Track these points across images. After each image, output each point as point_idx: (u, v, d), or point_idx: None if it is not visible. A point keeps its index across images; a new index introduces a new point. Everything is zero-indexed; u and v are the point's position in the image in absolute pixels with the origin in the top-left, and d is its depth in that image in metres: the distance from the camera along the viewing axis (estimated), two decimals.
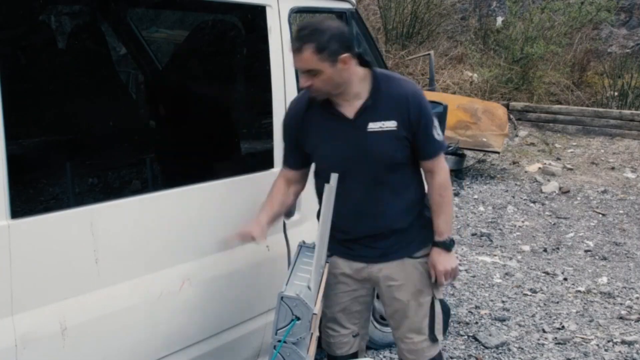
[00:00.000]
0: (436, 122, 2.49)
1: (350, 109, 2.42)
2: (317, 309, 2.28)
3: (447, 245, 2.55)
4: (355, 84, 2.40)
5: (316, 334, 2.40)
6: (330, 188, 2.33)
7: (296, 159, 2.57)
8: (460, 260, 5.40)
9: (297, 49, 2.29)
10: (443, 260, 2.54)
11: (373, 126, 2.41)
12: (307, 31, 2.27)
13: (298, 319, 2.20)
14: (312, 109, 2.47)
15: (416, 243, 2.58)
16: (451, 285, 4.78)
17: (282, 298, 2.20)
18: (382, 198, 2.49)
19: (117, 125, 2.51)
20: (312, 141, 2.50)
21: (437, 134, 2.49)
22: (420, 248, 2.59)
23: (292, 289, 2.24)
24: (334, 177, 2.37)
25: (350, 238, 2.56)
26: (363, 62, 2.43)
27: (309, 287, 2.26)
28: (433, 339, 2.63)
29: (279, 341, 2.21)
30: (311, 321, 2.21)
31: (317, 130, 2.48)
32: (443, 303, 2.66)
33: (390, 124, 2.40)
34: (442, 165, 2.52)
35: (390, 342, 3.81)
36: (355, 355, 2.75)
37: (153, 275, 2.38)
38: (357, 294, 2.66)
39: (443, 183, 2.52)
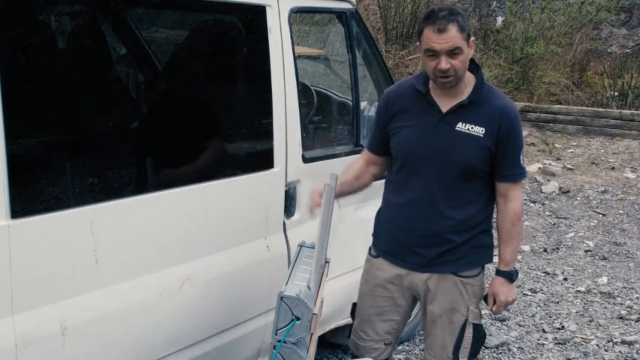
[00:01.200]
0: (524, 150, 2.47)
1: (446, 103, 2.42)
2: (317, 309, 2.28)
3: (512, 276, 2.52)
4: (462, 81, 2.39)
5: (317, 334, 2.40)
6: (330, 188, 2.33)
7: (379, 144, 2.59)
8: None
9: (443, 29, 2.25)
10: (506, 292, 2.52)
11: (461, 127, 2.39)
12: (446, 12, 2.28)
13: (298, 319, 2.20)
14: (408, 95, 2.48)
15: (464, 262, 2.52)
16: None
17: (282, 298, 2.20)
18: (445, 202, 2.43)
19: (117, 125, 2.51)
20: (397, 123, 2.50)
21: (522, 160, 2.44)
22: (467, 268, 2.53)
23: (292, 289, 2.24)
24: (333, 177, 2.37)
25: (399, 235, 2.52)
26: (471, 66, 2.43)
27: (308, 287, 2.26)
28: None
29: (279, 341, 2.21)
30: (311, 321, 2.20)
31: (406, 114, 2.48)
32: (477, 329, 2.57)
33: (478, 130, 2.37)
34: (518, 194, 2.48)
35: None
36: None
37: (153, 275, 2.38)
38: (396, 302, 2.62)
39: (517, 212, 2.47)
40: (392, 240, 2.55)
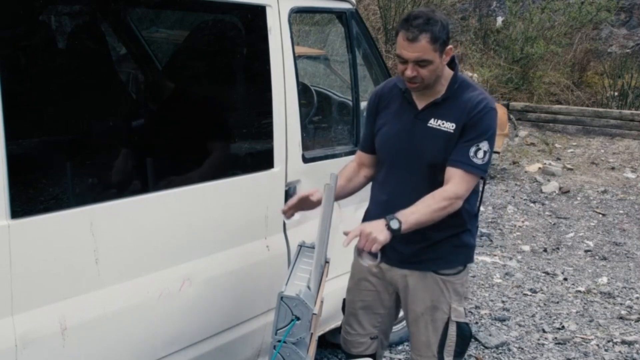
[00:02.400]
0: (487, 147, 2.36)
1: (423, 101, 2.44)
2: (317, 309, 2.28)
3: (390, 221, 2.27)
4: (440, 81, 2.41)
5: (317, 334, 2.40)
6: (330, 188, 2.33)
7: (369, 143, 2.60)
8: None
9: (412, 38, 2.26)
10: (370, 224, 2.30)
11: (433, 123, 2.40)
12: (422, 20, 2.26)
13: (298, 319, 2.20)
14: (392, 93, 2.51)
15: (444, 261, 2.51)
16: None
17: (282, 298, 2.20)
18: (419, 198, 2.37)
19: (117, 125, 2.50)
20: (380, 120, 2.53)
21: (477, 156, 2.34)
22: (447, 267, 2.52)
23: (292, 289, 2.24)
24: (334, 177, 2.37)
25: None
26: (451, 65, 2.43)
27: (308, 287, 2.26)
28: (441, 359, 2.55)
29: (279, 341, 2.21)
30: (311, 321, 2.20)
31: (388, 112, 2.52)
32: (462, 327, 2.54)
33: (449, 126, 2.38)
34: (458, 183, 2.34)
35: (390, 343, 3.81)
36: (371, 356, 2.71)
37: (153, 275, 2.38)
38: (381, 296, 2.63)
39: (444, 193, 2.33)
40: None
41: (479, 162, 2.36)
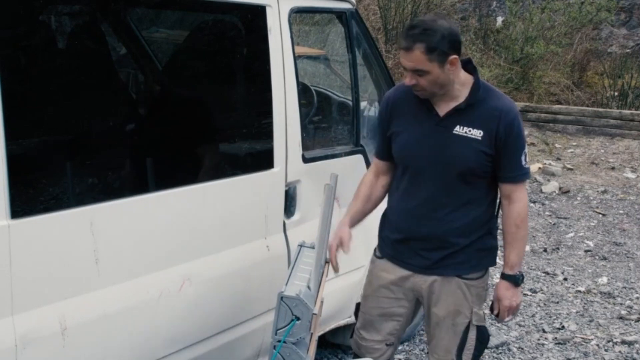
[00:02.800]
0: (526, 149, 2.43)
1: (443, 108, 2.40)
2: (317, 309, 2.28)
3: (517, 280, 2.48)
4: (456, 87, 2.37)
5: (317, 334, 2.40)
6: (330, 188, 2.33)
7: (386, 150, 2.57)
8: None
9: (406, 48, 2.26)
10: (510, 296, 2.48)
11: (459, 130, 2.37)
12: (418, 30, 2.25)
13: (298, 319, 2.20)
14: (406, 99, 2.47)
15: (468, 265, 2.51)
16: None
17: (282, 298, 2.20)
18: (448, 205, 2.42)
19: (117, 125, 2.51)
20: (396, 127, 2.50)
21: (525, 160, 2.41)
22: (472, 271, 2.52)
23: (292, 289, 2.24)
24: (333, 177, 2.37)
25: (403, 238, 2.51)
26: (468, 69, 2.42)
27: (308, 287, 2.26)
28: None
29: (279, 341, 2.21)
30: (311, 321, 2.20)
31: (405, 118, 2.48)
32: (481, 331, 2.55)
33: (476, 133, 2.36)
34: (521, 195, 2.44)
35: None
36: None
37: (153, 275, 2.38)
38: (400, 303, 2.61)
39: (521, 213, 2.43)
40: (397, 243, 2.54)
41: (527, 166, 2.44)
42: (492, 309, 2.58)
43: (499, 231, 2.58)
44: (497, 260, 2.66)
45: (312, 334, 2.27)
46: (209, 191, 2.55)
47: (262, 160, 2.77)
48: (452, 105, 2.39)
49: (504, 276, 2.50)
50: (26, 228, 1.98)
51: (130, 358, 2.34)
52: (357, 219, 2.60)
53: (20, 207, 1.97)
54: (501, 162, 2.39)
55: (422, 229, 2.47)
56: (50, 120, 2.19)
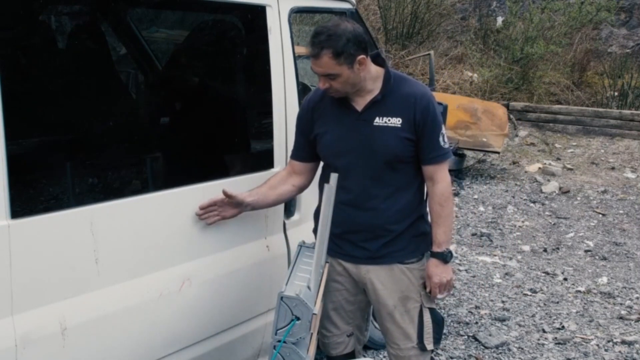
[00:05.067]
0: (444, 130, 2.50)
1: (360, 103, 2.48)
2: (317, 309, 2.28)
3: (445, 257, 2.53)
4: (369, 82, 2.45)
5: (316, 334, 2.40)
6: (330, 188, 2.33)
7: (303, 151, 2.62)
8: (460, 260, 5.40)
9: (315, 55, 2.33)
10: (440, 272, 2.53)
11: (379, 121, 2.45)
12: (323, 36, 2.31)
13: (298, 319, 2.20)
14: (325, 100, 2.53)
15: (407, 251, 2.57)
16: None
17: (282, 298, 2.20)
18: (379, 195, 2.50)
19: (117, 125, 2.51)
20: (319, 129, 2.55)
21: (443, 141, 2.49)
22: (411, 256, 2.58)
23: (292, 289, 2.24)
24: (334, 177, 2.37)
25: (341, 232, 2.55)
26: (378, 62, 2.49)
27: (308, 287, 2.26)
28: (422, 347, 2.59)
29: (279, 341, 2.21)
30: (311, 321, 2.21)
31: (326, 119, 2.53)
32: (434, 313, 2.62)
33: (395, 121, 2.44)
34: (443, 175, 2.51)
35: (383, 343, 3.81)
36: (351, 355, 2.74)
37: (153, 275, 2.38)
38: (349, 293, 2.66)
39: (444, 192, 2.50)
40: (336, 237, 2.56)
41: (447, 146, 2.51)
42: (424, 287, 2.60)
43: None
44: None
45: (312, 334, 2.27)
46: (209, 191, 2.55)
47: (262, 160, 2.77)
48: (369, 98, 2.47)
49: (432, 254, 2.54)
50: (26, 228, 1.99)
51: (130, 358, 2.34)
52: (257, 201, 2.57)
53: (20, 207, 1.97)
54: (421, 145, 2.46)
55: (357, 219, 2.53)
56: (50, 120, 2.19)
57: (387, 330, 2.64)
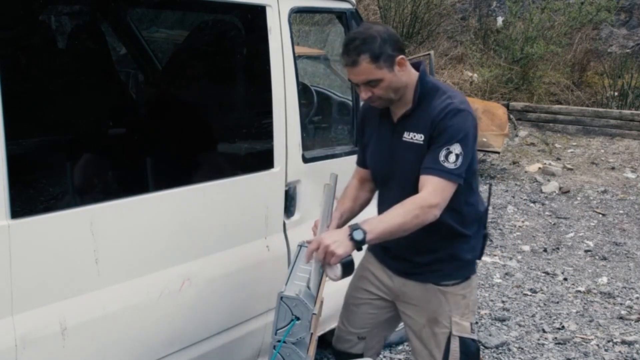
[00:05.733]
0: (459, 150, 2.22)
1: (397, 114, 2.36)
2: (317, 309, 2.28)
3: (352, 232, 2.14)
4: (409, 90, 2.31)
5: (317, 334, 2.40)
6: (330, 188, 2.33)
7: (364, 157, 2.56)
8: None
9: (352, 62, 2.20)
10: (331, 236, 2.16)
11: (407, 136, 2.32)
12: (358, 42, 2.20)
13: (298, 319, 2.20)
14: (374, 107, 2.42)
15: (443, 273, 2.44)
16: None
17: (282, 298, 2.20)
18: None
19: (117, 125, 2.51)
20: (366, 139, 2.50)
21: (446, 158, 2.21)
22: (448, 279, 2.45)
23: (291, 288, 2.23)
24: (333, 177, 2.37)
25: (384, 245, 2.47)
26: (417, 68, 2.36)
27: (308, 287, 2.26)
28: None
29: (279, 341, 2.21)
30: (311, 321, 2.20)
31: (371, 130, 2.47)
32: (465, 343, 2.43)
33: (419, 137, 2.29)
34: (431, 189, 2.20)
35: (390, 342, 3.81)
36: (355, 356, 2.68)
37: (153, 275, 2.38)
38: (376, 296, 2.59)
39: (417, 200, 2.20)
40: (379, 246, 2.52)
41: (451, 166, 2.21)
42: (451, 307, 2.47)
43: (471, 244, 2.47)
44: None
45: (312, 334, 2.27)
46: (209, 191, 2.55)
47: (262, 160, 2.77)
48: (404, 110, 2.34)
49: (350, 226, 2.21)
50: (26, 228, 1.98)
51: (130, 358, 2.34)
52: (346, 218, 2.53)
53: (20, 207, 1.97)
54: (427, 154, 2.27)
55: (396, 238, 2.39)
56: (50, 120, 2.19)
57: (414, 348, 2.55)
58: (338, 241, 2.12)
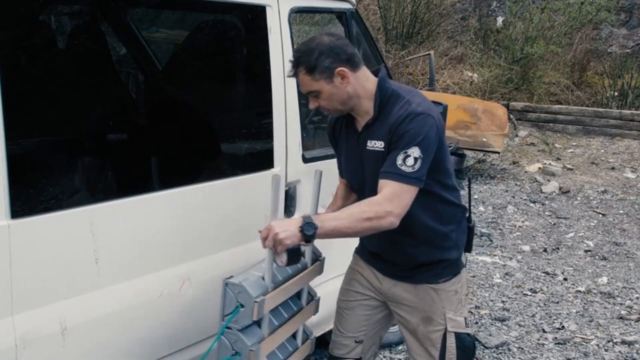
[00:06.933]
0: (418, 153, 2.17)
1: (361, 123, 2.36)
2: (268, 299, 2.26)
3: (303, 223, 2.10)
4: (364, 100, 2.30)
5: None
6: (277, 178, 2.30)
7: (341, 167, 2.56)
8: None
9: (292, 75, 2.27)
10: (280, 224, 2.15)
11: (369, 144, 2.31)
12: (298, 54, 2.25)
13: (242, 306, 2.21)
14: (341, 120, 2.44)
15: (433, 273, 2.45)
16: None
17: (226, 284, 2.24)
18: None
19: (116, 125, 2.51)
20: (337, 152, 2.52)
21: (404, 162, 2.16)
22: (438, 278, 2.45)
23: (240, 276, 2.27)
24: (318, 173, 2.39)
25: (369, 243, 2.52)
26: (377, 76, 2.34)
27: (263, 278, 2.27)
28: None
29: (226, 327, 2.23)
30: (254, 309, 2.21)
31: (341, 139, 2.47)
32: (461, 338, 2.44)
33: (379, 145, 2.28)
34: (389, 193, 2.16)
35: (390, 342, 3.81)
36: None
37: (153, 275, 2.38)
38: (367, 298, 2.59)
39: (373, 207, 2.15)
40: (367, 245, 2.54)
41: (409, 170, 2.16)
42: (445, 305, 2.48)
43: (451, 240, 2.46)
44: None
45: (279, 326, 2.28)
46: (209, 191, 2.55)
47: (262, 160, 2.77)
48: (367, 119, 2.33)
49: (303, 217, 2.17)
50: (26, 228, 1.99)
51: (130, 358, 2.34)
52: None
53: (20, 207, 1.97)
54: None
55: (377, 243, 2.45)
56: (50, 121, 2.19)
57: (411, 347, 2.55)
58: (288, 231, 2.10)
